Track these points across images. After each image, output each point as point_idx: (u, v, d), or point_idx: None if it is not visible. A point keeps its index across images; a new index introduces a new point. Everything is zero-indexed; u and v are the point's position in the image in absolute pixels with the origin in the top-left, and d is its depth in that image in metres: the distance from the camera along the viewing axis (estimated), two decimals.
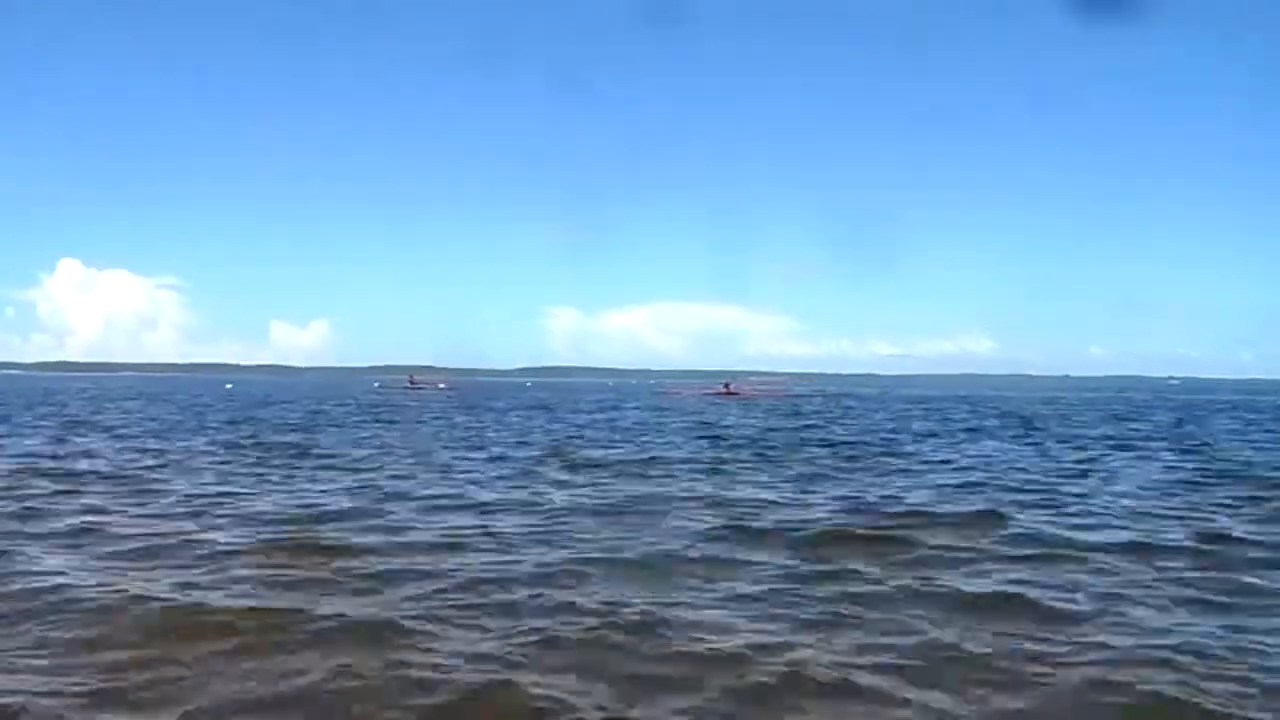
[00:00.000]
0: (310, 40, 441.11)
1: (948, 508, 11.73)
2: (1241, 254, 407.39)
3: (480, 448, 20.61)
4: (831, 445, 22.28)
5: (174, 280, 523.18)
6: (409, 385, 77.72)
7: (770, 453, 19.89)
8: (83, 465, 16.03)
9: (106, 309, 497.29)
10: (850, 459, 18.65)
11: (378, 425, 29.12)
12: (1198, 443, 24.15)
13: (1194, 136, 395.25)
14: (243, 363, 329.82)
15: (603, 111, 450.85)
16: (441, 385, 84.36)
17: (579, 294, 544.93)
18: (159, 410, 38.05)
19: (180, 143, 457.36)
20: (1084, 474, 16.10)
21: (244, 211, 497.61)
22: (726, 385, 58.92)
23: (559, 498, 12.51)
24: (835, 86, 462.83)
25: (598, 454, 19.16)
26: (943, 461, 18.45)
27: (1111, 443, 23.72)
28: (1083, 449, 21.55)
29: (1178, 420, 36.70)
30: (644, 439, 24.33)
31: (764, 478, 15.21)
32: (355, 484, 13.90)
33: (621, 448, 21.15)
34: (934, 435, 26.39)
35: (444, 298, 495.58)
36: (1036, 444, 23.09)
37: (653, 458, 18.63)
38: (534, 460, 17.87)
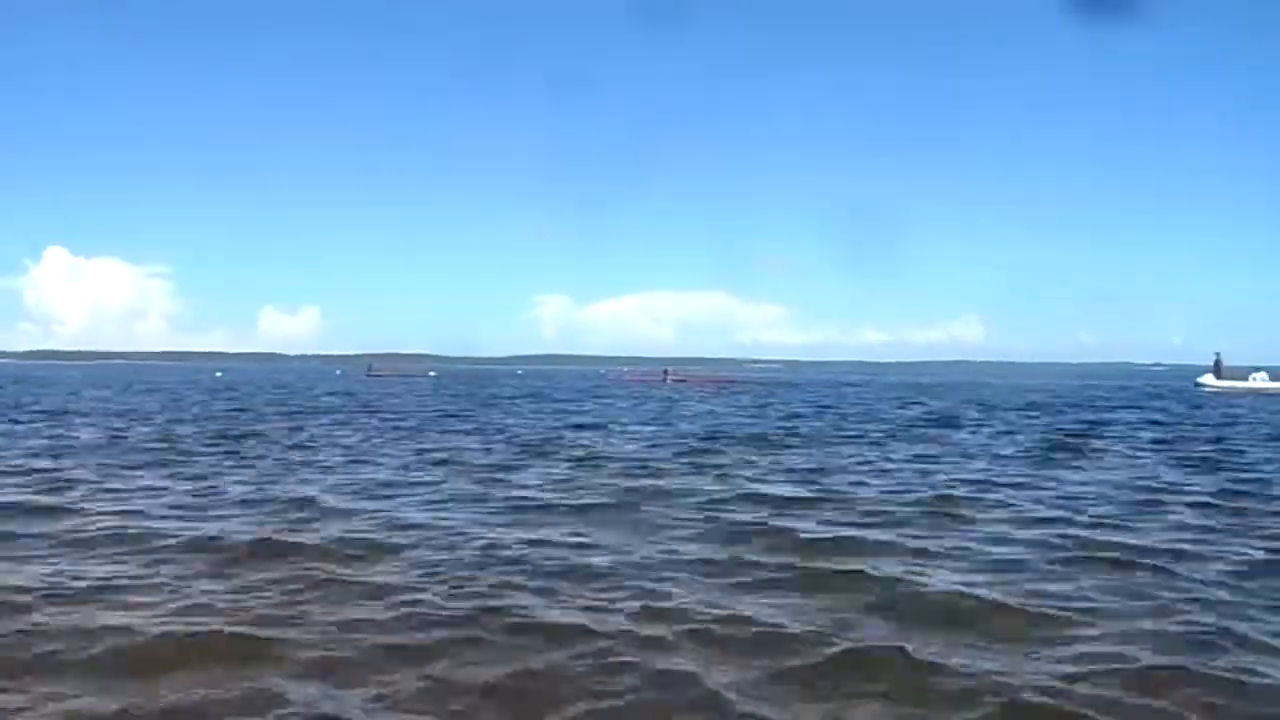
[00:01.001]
0: (298, 29, 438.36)
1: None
2: (1230, 246, 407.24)
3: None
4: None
5: (164, 268, 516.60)
6: (368, 374, 78.18)
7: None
8: None
9: (95, 297, 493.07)
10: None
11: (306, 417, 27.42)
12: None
13: (1183, 127, 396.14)
14: (232, 350, 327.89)
15: (595, 101, 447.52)
16: (432, 373, 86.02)
17: (570, 282, 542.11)
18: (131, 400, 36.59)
19: (169, 130, 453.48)
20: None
21: (235, 199, 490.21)
22: (666, 372, 67.47)
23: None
24: (827, 78, 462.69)
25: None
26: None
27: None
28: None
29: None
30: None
31: None
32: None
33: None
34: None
35: (436, 285, 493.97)
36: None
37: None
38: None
